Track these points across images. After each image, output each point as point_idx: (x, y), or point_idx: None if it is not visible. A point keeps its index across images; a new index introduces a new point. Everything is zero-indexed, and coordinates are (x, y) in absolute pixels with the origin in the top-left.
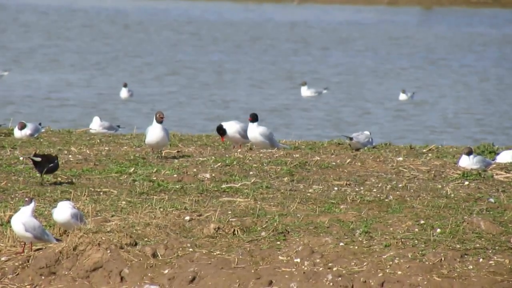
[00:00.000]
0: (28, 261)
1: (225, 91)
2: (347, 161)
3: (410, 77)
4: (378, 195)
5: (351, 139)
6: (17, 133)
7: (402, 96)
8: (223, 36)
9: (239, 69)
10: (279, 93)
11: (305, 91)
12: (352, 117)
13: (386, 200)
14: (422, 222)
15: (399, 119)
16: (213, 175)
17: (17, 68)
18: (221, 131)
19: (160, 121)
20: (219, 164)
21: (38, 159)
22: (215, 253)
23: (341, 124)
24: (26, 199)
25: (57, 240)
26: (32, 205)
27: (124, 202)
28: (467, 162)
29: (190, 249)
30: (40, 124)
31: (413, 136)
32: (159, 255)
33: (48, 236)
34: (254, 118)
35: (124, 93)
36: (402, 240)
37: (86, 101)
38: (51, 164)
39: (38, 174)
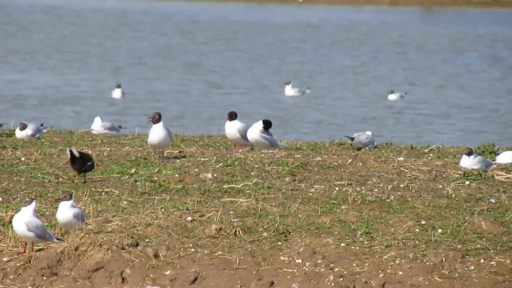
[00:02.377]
0: (29, 262)
1: (227, 91)
2: (349, 161)
3: (409, 77)
4: (380, 196)
5: (352, 139)
6: (19, 133)
7: (391, 96)
8: (226, 36)
9: (241, 70)
10: (278, 93)
11: (289, 91)
12: (343, 117)
13: (387, 200)
14: (423, 222)
15: (397, 119)
16: (215, 175)
17: (17, 68)
18: (233, 115)
19: (154, 121)
20: (221, 164)
21: (77, 154)
22: (217, 254)
23: (333, 124)
24: (27, 199)
25: (58, 239)
26: (33, 205)
27: (125, 203)
28: (467, 162)
29: (192, 250)
30: (42, 124)
31: (414, 136)
32: (160, 255)
33: (50, 235)
34: (267, 125)
35: (117, 93)
36: (403, 240)
37: (87, 101)
38: (89, 163)
39: (76, 171)
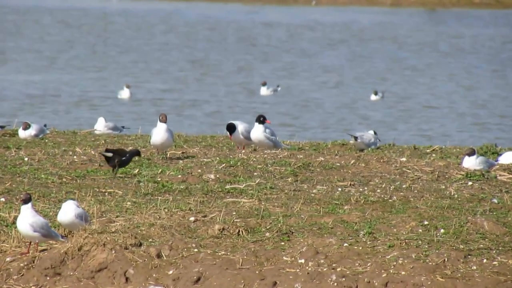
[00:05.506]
0: (33, 262)
1: (230, 92)
2: (351, 162)
3: (410, 77)
4: (382, 196)
5: (356, 138)
6: (22, 133)
7: (373, 97)
8: (234, 38)
9: (246, 71)
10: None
11: (265, 91)
12: (331, 118)
13: (390, 200)
14: (425, 222)
15: (399, 119)
16: (218, 176)
17: (17, 68)
18: (232, 129)
19: (163, 121)
20: (224, 165)
21: (110, 154)
22: (219, 254)
23: (324, 124)
24: (24, 196)
25: (63, 237)
26: (31, 203)
27: (129, 203)
28: (470, 163)
29: (195, 250)
30: (45, 125)
31: (416, 138)
32: (163, 255)
33: (55, 233)
34: (259, 119)
35: (125, 94)
36: (406, 240)
37: (91, 102)
38: (123, 158)
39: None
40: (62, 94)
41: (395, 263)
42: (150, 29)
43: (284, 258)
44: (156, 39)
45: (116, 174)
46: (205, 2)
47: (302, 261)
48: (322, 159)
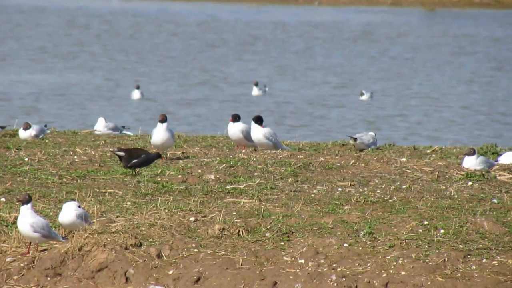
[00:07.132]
0: (33, 262)
1: (232, 92)
2: (351, 162)
3: (410, 78)
4: (382, 196)
5: (355, 139)
6: (22, 134)
7: (361, 97)
8: (234, 37)
9: (248, 70)
10: (279, 94)
11: (256, 91)
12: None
13: (390, 201)
14: (425, 222)
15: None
16: (218, 176)
17: (18, 69)
18: (237, 117)
19: (163, 121)
20: (224, 165)
21: (122, 153)
22: (220, 254)
23: (317, 124)
24: (22, 197)
25: (64, 238)
26: (30, 203)
27: (129, 203)
28: (470, 163)
29: (195, 250)
30: (45, 125)
31: (415, 138)
32: (164, 255)
33: (55, 234)
34: (258, 119)
35: (136, 94)
36: (406, 240)
37: (94, 101)
38: (135, 160)
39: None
40: (64, 94)
41: (395, 263)
42: (150, 29)
43: (284, 258)
44: (156, 40)
45: (136, 174)
46: (206, 2)
47: (302, 261)
48: (322, 159)
